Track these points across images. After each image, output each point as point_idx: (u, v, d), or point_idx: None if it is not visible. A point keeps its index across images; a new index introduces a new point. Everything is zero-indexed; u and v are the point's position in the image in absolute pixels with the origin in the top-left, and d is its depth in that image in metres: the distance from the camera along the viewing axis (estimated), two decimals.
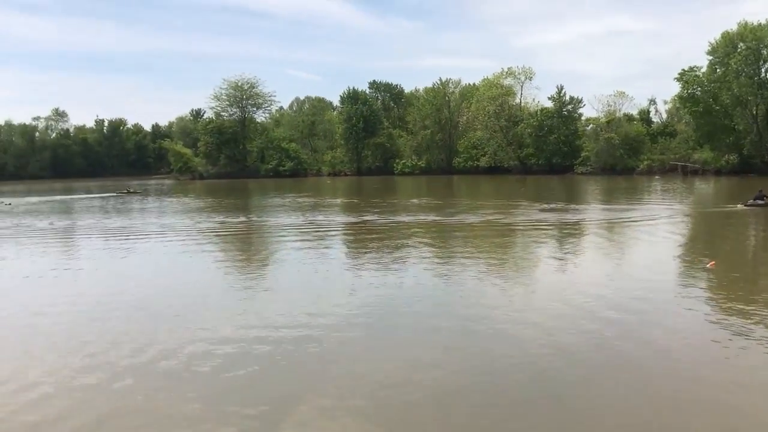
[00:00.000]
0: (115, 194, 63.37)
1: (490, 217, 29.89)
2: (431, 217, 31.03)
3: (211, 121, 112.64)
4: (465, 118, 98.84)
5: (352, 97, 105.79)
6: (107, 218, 36.20)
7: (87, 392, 8.73)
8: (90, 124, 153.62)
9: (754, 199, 32.13)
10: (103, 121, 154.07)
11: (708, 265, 16.28)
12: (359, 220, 30.71)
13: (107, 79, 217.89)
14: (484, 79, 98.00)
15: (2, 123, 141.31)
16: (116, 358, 10.09)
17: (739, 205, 32.37)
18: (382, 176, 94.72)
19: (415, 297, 14.01)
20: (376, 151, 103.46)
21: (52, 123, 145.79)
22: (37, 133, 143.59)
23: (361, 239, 24.24)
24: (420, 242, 22.79)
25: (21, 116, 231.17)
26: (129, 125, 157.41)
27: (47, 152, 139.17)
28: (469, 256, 19.15)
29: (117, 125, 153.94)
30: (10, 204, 50.66)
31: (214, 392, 8.64)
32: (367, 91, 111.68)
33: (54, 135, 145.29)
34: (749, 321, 11.42)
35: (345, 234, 26.61)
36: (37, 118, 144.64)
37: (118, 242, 24.75)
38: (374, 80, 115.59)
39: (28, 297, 14.84)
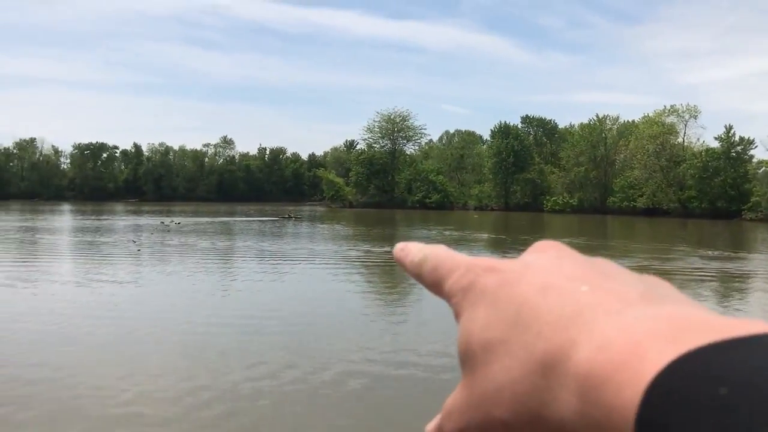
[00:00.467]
0: (276, 218, 67.72)
1: (645, 263, 28.43)
2: None
3: (363, 152, 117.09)
4: (622, 156, 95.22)
5: (503, 131, 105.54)
6: (264, 241, 38.62)
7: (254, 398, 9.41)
8: (253, 151, 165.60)
9: None
10: (265, 149, 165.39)
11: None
12: (504, 258, 30.47)
13: (271, 110, 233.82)
14: (644, 117, 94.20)
15: (177, 148, 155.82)
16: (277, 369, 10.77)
17: None
18: (530, 213, 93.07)
19: None
20: (525, 186, 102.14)
21: (220, 150, 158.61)
22: (206, 159, 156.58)
23: None
24: None
25: (193, 143, 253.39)
26: (288, 154, 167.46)
27: (214, 176, 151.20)
28: None
29: (277, 153, 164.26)
30: (179, 223, 55.45)
31: (363, 414, 8.98)
32: (519, 126, 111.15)
33: (221, 161, 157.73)
34: None
35: None
36: (207, 145, 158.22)
37: (272, 265, 26.31)
38: (527, 115, 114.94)
39: (188, 311, 16.19)
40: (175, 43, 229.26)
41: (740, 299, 20.45)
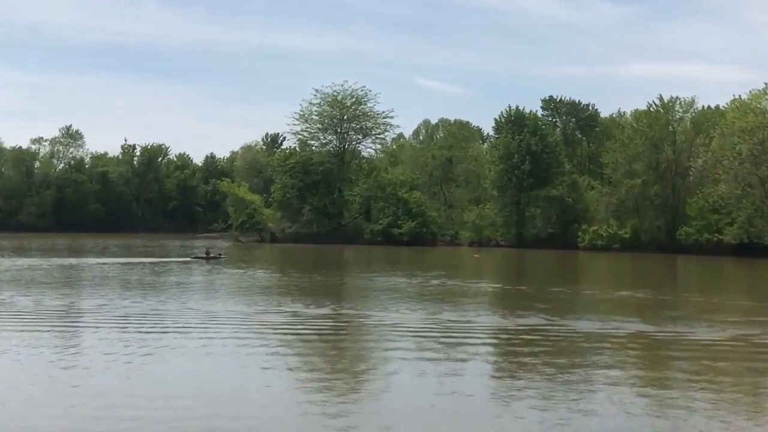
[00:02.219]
0: (181, 259, 68.75)
1: (737, 331, 28.55)
2: (637, 325, 30.02)
3: (293, 153, 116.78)
4: (700, 161, 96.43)
5: (513, 122, 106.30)
6: (134, 297, 37.79)
7: None
8: (114, 151, 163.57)
9: None
10: (133, 147, 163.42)
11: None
12: (520, 324, 30.27)
13: (144, 84, 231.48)
14: (733, 101, 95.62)
15: None
16: None
17: None
18: (557, 251, 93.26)
19: None
20: (548, 209, 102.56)
21: (60, 148, 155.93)
22: (37, 163, 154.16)
23: (521, 354, 23.69)
24: (618, 364, 21.91)
25: (16, 136, 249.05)
26: (171, 155, 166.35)
27: (50, 192, 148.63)
28: (703, 392, 18.14)
29: (153, 154, 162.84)
30: None
31: None
32: (539, 113, 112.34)
33: (61, 166, 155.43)
34: None
35: (494, 344, 26.17)
36: (38, 141, 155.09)
37: (147, 337, 25.55)
38: (551, 96, 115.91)
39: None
40: None
41: None
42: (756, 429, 15.89)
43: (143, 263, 62.99)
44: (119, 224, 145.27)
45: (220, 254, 70.79)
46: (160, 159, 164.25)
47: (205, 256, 68.82)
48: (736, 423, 16.19)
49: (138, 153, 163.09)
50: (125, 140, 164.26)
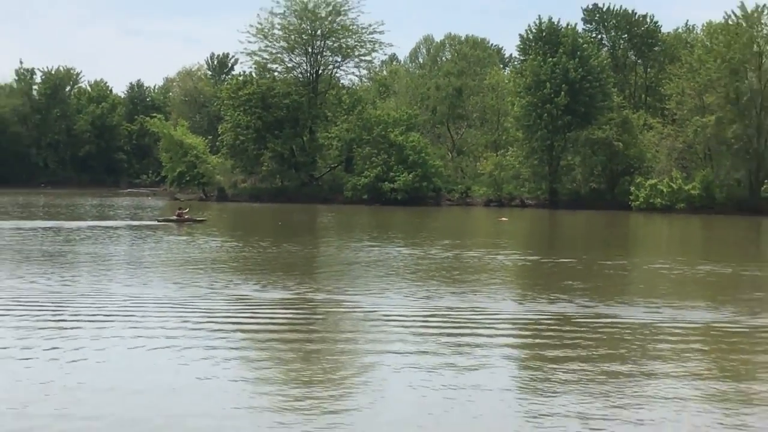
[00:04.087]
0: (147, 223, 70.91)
1: None
2: (707, 314, 30.18)
3: (248, 81, 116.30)
4: None
5: (544, 39, 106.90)
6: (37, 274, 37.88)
7: None
8: (7, 79, 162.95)
9: None
10: (32, 72, 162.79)
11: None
12: (548, 312, 30.40)
13: None
14: None
15: None
16: None
17: None
18: (604, 212, 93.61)
19: None
20: (591, 156, 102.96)
21: None
22: None
23: (547, 352, 23.86)
24: (679, 368, 22.14)
25: None
26: (83, 84, 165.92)
27: None
28: None
29: (59, 82, 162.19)
30: None
31: None
32: (580, 27, 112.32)
33: None
34: None
35: (513, 334, 26.58)
36: None
37: (62, 329, 25.67)
38: (595, 4, 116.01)
39: None
40: None
41: None
42: None
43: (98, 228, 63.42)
44: (13, 176, 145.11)
45: (194, 217, 72.00)
46: (68, 88, 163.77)
47: (176, 218, 69.93)
48: None
49: (38, 80, 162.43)
50: (21, 63, 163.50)
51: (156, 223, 70.78)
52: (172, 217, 70.71)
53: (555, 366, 21.76)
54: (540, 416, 17.20)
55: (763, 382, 21.07)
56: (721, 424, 17.38)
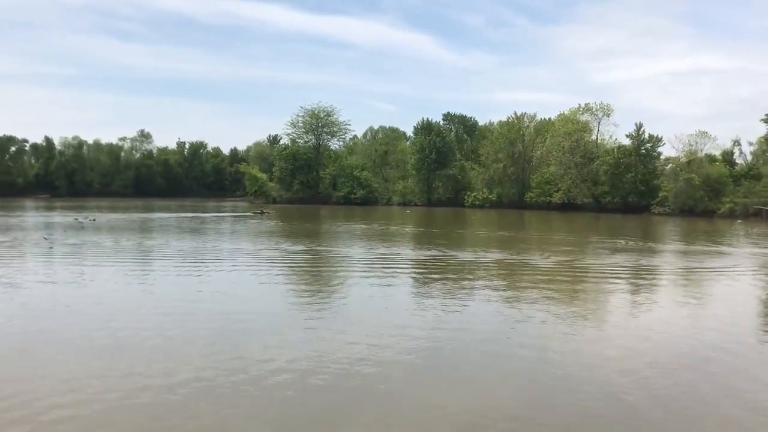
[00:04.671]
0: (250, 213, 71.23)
1: (561, 257, 29.39)
2: (499, 255, 30.62)
3: (286, 147, 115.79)
4: (539, 152, 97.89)
5: (425, 128, 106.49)
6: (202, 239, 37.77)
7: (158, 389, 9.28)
8: (172, 146, 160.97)
9: None
10: (184, 143, 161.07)
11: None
12: (428, 254, 30.85)
13: (192, 104, 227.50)
14: (560, 115, 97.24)
15: (91, 142, 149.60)
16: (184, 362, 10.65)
17: None
18: (452, 208, 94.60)
19: (478, 336, 13.96)
20: (447, 182, 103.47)
21: (137, 144, 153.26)
22: (122, 153, 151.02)
23: (428, 275, 24.35)
24: (487, 280, 22.70)
25: (109, 136, 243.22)
26: (209, 148, 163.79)
27: (131, 171, 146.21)
28: (538, 298, 18.74)
29: (197, 148, 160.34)
30: (94, 220, 53.44)
31: (269, 418, 9.03)
32: (441, 123, 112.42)
33: (138, 155, 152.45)
34: None
35: (413, 267, 26.54)
36: (123, 139, 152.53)
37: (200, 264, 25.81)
38: (448, 112, 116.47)
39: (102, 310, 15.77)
40: (91, 34, 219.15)
41: (648, 290, 21.53)
42: (585, 326, 16.46)
43: (222, 217, 63.50)
44: (175, 193, 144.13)
45: (268, 212, 73.39)
46: (202, 151, 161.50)
47: (260, 212, 72.59)
48: (567, 324, 16.84)
49: (187, 147, 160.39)
50: (179, 139, 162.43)
51: (253, 213, 71.15)
52: (258, 211, 72.27)
53: (430, 281, 22.26)
54: (421, 309, 17.64)
55: (523, 288, 21.70)
56: (504, 310, 17.96)
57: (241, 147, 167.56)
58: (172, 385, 9.97)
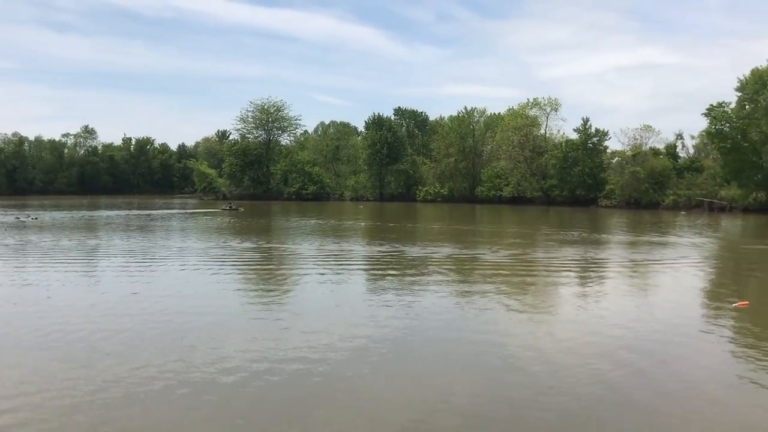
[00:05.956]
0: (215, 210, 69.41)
1: (513, 251, 29.59)
2: (451, 250, 30.65)
3: (236, 142, 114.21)
4: (489, 147, 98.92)
5: (376, 123, 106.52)
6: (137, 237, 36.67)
7: (107, 405, 8.83)
8: (118, 142, 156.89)
9: None
10: (130, 139, 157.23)
11: (735, 305, 15.99)
12: (380, 250, 30.65)
13: (136, 98, 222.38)
14: (509, 109, 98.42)
15: (32, 139, 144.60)
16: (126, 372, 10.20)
17: None
18: (404, 202, 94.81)
19: (431, 329, 13.88)
20: (399, 177, 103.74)
21: (81, 140, 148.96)
22: (65, 150, 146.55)
23: (380, 269, 24.15)
24: (439, 274, 22.62)
25: (51, 132, 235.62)
26: (156, 144, 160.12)
27: (75, 168, 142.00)
28: (490, 292, 18.72)
29: (144, 144, 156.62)
30: (36, 218, 51.56)
31: (216, 416, 8.68)
32: (392, 118, 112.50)
33: (82, 152, 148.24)
34: None
35: (365, 263, 26.30)
36: (66, 135, 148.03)
37: (143, 264, 25.01)
38: (399, 107, 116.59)
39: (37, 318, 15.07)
40: (28, 26, 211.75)
41: (596, 281, 21.78)
42: (537, 319, 16.47)
43: (175, 214, 61.47)
44: (122, 190, 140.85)
45: (238, 207, 71.31)
46: (148, 147, 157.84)
47: (229, 208, 70.09)
48: (518, 315, 16.84)
49: (134, 143, 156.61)
50: (125, 134, 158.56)
51: (221, 210, 69.30)
52: (227, 207, 70.44)
53: (383, 277, 22.10)
54: (375, 305, 17.47)
55: (475, 282, 21.69)
56: (456, 304, 17.87)
57: (190, 143, 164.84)
58: (128, 386, 9.54)
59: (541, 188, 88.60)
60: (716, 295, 18.83)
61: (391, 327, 13.72)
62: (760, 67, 66.85)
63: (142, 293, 17.44)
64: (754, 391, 9.79)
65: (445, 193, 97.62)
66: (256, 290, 19.00)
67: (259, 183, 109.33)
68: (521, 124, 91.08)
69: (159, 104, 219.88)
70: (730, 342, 12.96)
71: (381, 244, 31.73)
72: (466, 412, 8.89)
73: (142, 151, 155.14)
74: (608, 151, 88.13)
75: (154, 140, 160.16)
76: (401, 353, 11.80)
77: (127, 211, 63.56)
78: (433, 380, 10.22)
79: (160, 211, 64.63)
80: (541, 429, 8.34)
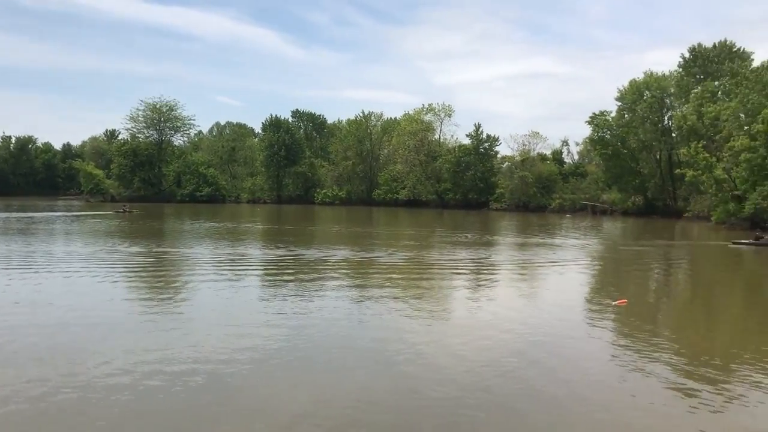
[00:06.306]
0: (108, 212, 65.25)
1: (408, 253, 29.94)
2: (348, 252, 30.62)
3: (126, 142, 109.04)
4: (386, 151, 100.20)
5: (274, 125, 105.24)
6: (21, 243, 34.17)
7: None
8: None
9: (756, 239, 35.28)
10: (10, 137, 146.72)
11: (615, 303, 16.90)
12: (276, 253, 30.14)
13: (17, 95, 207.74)
14: (405, 114, 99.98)
15: None
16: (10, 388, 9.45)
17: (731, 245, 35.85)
18: (302, 205, 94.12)
19: (329, 334, 13.77)
20: (297, 179, 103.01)
21: None
22: None
23: (276, 273, 23.75)
24: (335, 277, 22.53)
25: None
26: (38, 143, 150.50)
27: None
28: (385, 294, 18.76)
29: (25, 143, 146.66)
30: None
31: (109, 425, 8.22)
32: (290, 120, 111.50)
33: None
34: (650, 352, 12.03)
35: (260, 266, 25.72)
36: None
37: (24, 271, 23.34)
38: (297, 109, 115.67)
39: None
40: None
41: (487, 282, 22.41)
42: (430, 321, 16.56)
43: (60, 216, 57.47)
44: (1, 191, 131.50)
45: (132, 210, 67.54)
46: (30, 146, 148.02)
47: (123, 210, 66.22)
48: (414, 316, 16.93)
49: (14, 141, 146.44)
50: (4, 133, 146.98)
51: (115, 212, 65.71)
52: (121, 210, 66.76)
53: (279, 281, 21.75)
54: (270, 309, 17.15)
55: (370, 285, 21.69)
56: (351, 307, 17.81)
57: (76, 142, 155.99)
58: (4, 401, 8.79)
59: (435, 191, 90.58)
60: (599, 294, 19.84)
61: (287, 332, 13.48)
62: (637, 79, 71.54)
63: (24, 303, 16.23)
64: (632, 380, 10.35)
65: (343, 195, 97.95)
66: (145, 297, 18.12)
67: (151, 185, 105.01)
68: (417, 129, 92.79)
69: (42, 102, 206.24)
70: (611, 338, 13.69)
71: (278, 248, 31.18)
72: (353, 417, 8.84)
73: (23, 150, 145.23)
74: (499, 156, 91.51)
75: (36, 139, 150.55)
76: (297, 359, 11.57)
77: (6, 214, 59.13)
78: (329, 384, 10.11)
79: (43, 214, 60.61)
80: (435, 428, 8.41)
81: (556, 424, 8.66)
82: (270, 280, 21.36)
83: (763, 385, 10.32)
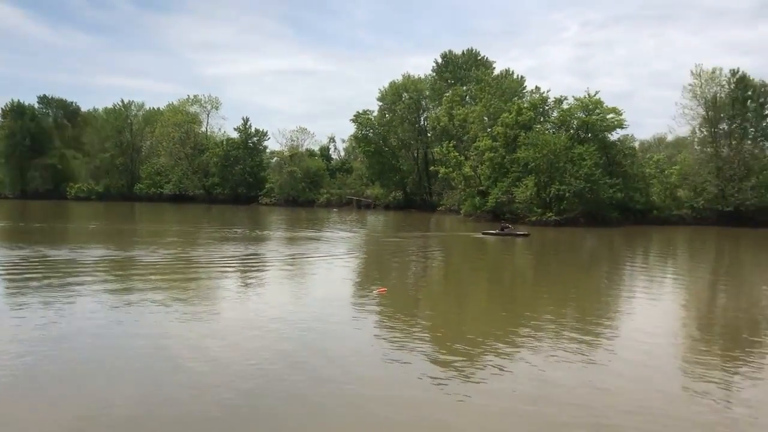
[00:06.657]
0: None
1: (174, 250, 28.60)
2: (107, 251, 28.24)
3: None
4: (149, 143, 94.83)
5: (16, 111, 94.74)
6: None
7: None
8: None
9: (501, 229, 39.79)
10: None
11: (377, 292, 17.78)
12: (20, 254, 26.80)
13: None
14: (169, 105, 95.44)
15: None
16: None
17: (480, 234, 39.80)
18: (52, 201, 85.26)
19: (85, 338, 12.73)
20: (45, 172, 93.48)
21: None
22: None
23: (19, 276, 21.13)
24: (90, 280, 20.65)
25: None
26: None
27: None
28: (149, 293, 17.80)
29: None
30: None
31: None
32: (36, 106, 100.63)
33: None
34: (407, 340, 12.88)
35: (2, 271, 22.97)
36: None
37: None
38: (45, 95, 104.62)
39: None
40: None
41: (256, 277, 22.29)
42: (199, 319, 15.91)
43: None
44: None
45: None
46: None
47: None
48: (180, 315, 16.19)
49: None
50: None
51: None
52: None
53: (26, 287, 19.65)
54: (19, 318, 15.42)
55: (132, 286, 20.56)
56: (113, 310, 16.68)
57: None
58: None
59: (203, 186, 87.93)
60: (362, 283, 20.74)
61: (39, 340, 12.24)
62: (396, 81, 76.06)
63: None
64: (391, 370, 10.94)
65: (101, 190, 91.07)
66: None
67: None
68: (182, 120, 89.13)
69: None
70: (374, 325, 14.40)
71: (21, 248, 27.78)
72: (131, 418, 8.53)
73: None
74: (268, 151, 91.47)
75: None
76: (53, 369, 10.55)
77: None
78: (94, 390, 9.49)
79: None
80: (207, 427, 8.28)
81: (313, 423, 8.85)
82: (12, 285, 18.94)
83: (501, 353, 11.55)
